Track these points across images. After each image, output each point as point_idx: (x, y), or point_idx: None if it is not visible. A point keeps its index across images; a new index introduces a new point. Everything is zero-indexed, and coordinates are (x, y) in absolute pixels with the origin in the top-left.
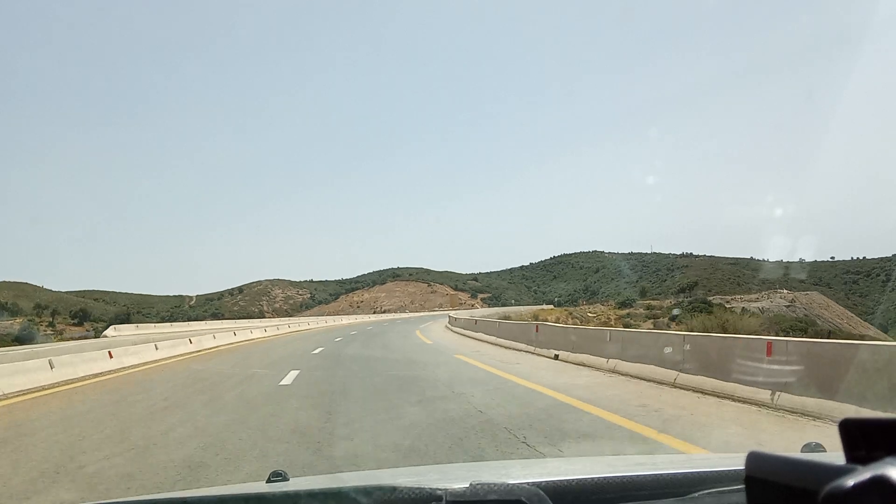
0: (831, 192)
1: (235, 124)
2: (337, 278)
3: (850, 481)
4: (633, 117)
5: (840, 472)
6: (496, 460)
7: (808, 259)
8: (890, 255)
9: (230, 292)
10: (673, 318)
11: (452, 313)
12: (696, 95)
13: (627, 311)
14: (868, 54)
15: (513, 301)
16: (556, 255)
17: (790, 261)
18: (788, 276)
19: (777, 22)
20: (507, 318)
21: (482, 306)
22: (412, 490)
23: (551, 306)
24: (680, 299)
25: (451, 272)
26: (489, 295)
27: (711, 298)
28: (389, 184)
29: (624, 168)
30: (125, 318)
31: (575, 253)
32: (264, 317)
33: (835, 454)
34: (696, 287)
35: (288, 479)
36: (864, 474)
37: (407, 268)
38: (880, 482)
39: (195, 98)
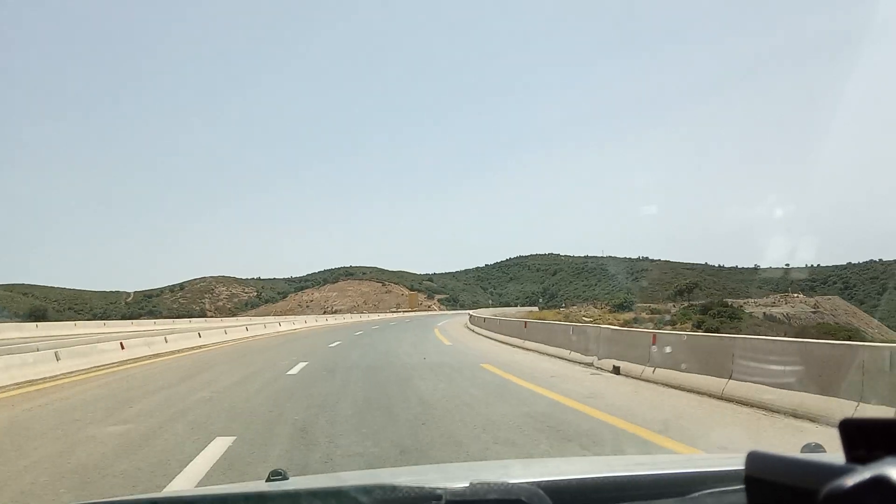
0: (833, 194)
1: (178, 119)
2: (286, 276)
3: (850, 481)
4: (600, 118)
5: (840, 471)
6: (496, 460)
7: (802, 264)
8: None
9: (171, 289)
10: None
11: (474, 312)
12: (670, 98)
13: (631, 315)
14: (870, 55)
15: (472, 302)
16: (511, 257)
17: (776, 266)
18: (788, 279)
19: (778, 21)
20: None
21: (440, 307)
22: (412, 489)
23: (535, 308)
24: (685, 303)
25: (405, 272)
26: (446, 296)
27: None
28: (343, 182)
29: (591, 170)
30: (41, 315)
31: (531, 255)
32: (205, 316)
33: (835, 454)
34: (696, 290)
35: (287, 479)
36: (863, 474)
37: (360, 267)
38: (880, 482)
39: (136, 91)
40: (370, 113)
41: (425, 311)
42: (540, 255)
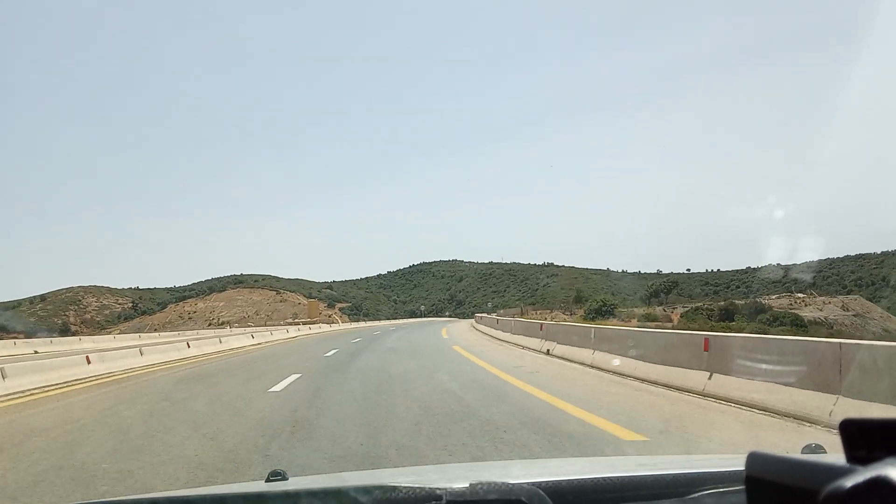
0: (832, 191)
1: (55, 117)
2: (169, 286)
3: (851, 482)
4: (537, 116)
5: (840, 472)
6: (496, 460)
7: (788, 262)
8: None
9: (30, 300)
10: None
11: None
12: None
13: (633, 321)
14: (872, 50)
15: (376, 311)
16: (415, 264)
17: (761, 265)
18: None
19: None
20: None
21: (341, 317)
22: (412, 489)
23: (454, 319)
24: (668, 306)
25: (303, 280)
26: (348, 304)
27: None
28: (236, 186)
29: (497, 175)
30: None
31: (435, 261)
32: (69, 331)
33: (835, 455)
34: (674, 290)
35: (287, 479)
36: (864, 475)
37: (252, 275)
38: (880, 483)
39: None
40: (262, 110)
41: (328, 323)
42: (444, 261)
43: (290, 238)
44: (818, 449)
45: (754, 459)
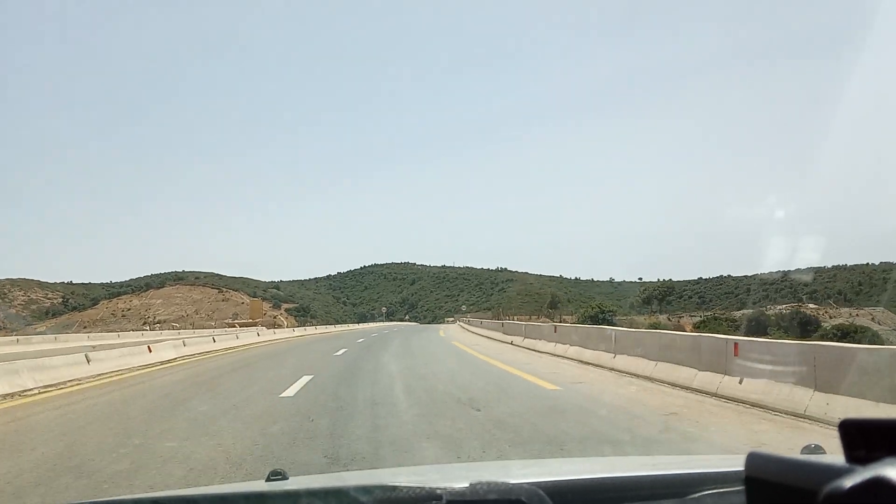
0: (835, 194)
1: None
2: (105, 281)
3: (850, 482)
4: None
5: (840, 472)
6: (496, 460)
7: (775, 269)
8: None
9: None
10: None
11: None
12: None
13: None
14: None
15: (325, 313)
16: (366, 265)
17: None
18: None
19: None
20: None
21: (287, 318)
22: (412, 489)
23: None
24: (703, 314)
25: (248, 279)
26: (295, 305)
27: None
28: (181, 179)
29: (456, 180)
30: None
31: (387, 263)
32: None
33: (835, 455)
34: (668, 297)
35: (287, 479)
36: (863, 475)
37: (193, 271)
38: (880, 483)
39: None
40: (211, 103)
41: (270, 326)
42: (396, 263)
43: (236, 235)
44: (817, 449)
45: (754, 459)
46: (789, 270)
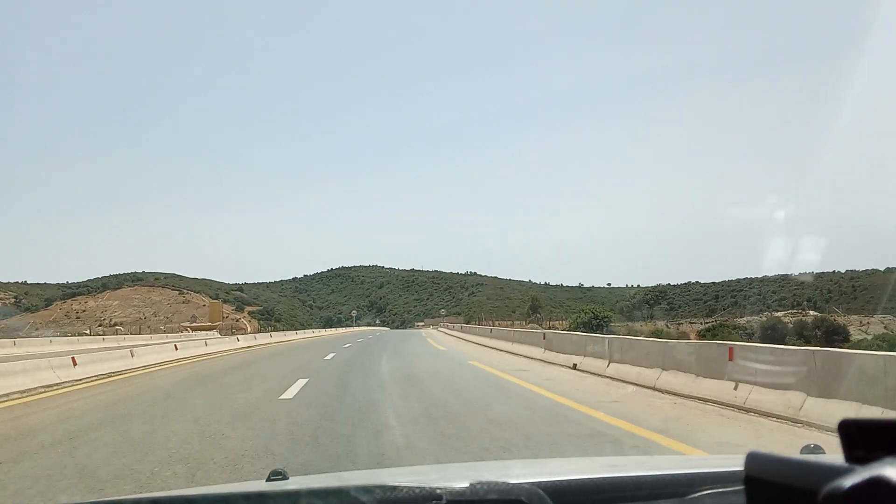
0: (835, 198)
1: None
2: (62, 281)
3: (849, 481)
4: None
5: (839, 472)
6: (496, 460)
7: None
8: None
9: None
10: None
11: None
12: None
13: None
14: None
15: (290, 316)
16: (333, 268)
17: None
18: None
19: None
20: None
21: (250, 322)
22: (412, 489)
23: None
24: (709, 321)
25: (210, 280)
26: (259, 308)
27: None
28: (140, 180)
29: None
30: None
31: (354, 266)
32: None
33: (834, 455)
34: (661, 303)
35: (288, 478)
36: (863, 474)
37: (153, 272)
38: (879, 482)
39: None
40: (172, 102)
41: (232, 332)
42: (364, 266)
43: (200, 236)
44: (817, 449)
45: (753, 459)
46: (789, 274)
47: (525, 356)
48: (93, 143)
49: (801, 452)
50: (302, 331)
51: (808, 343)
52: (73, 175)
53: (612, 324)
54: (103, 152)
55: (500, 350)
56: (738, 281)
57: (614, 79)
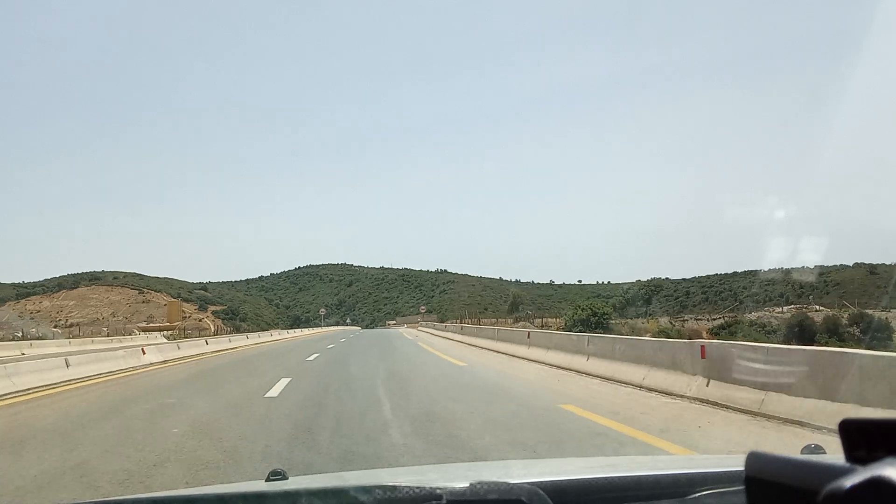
0: (836, 194)
1: None
2: (16, 281)
3: (850, 481)
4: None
5: (840, 472)
6: (496, 460)
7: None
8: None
9: None
10: None
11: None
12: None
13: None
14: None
15: (255, 315)
16: (301, 266)
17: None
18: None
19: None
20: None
21: (214, 322)
22: (412, 489)
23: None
24: (716, 317)
25: (173, 279)
26: (223, 307)
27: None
28: (99, 174)
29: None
30: None
31: (323, 264)
32: None
33: (835, 455)
34: (657, 297)
35: (287, 479)
36: (863, 474)
37: (112, 271)
38: (880, 482)
39: None
40: (131, 96)
41: (198, 335)
42: (332, 264)
43: (162, 235)
44: (817, 449)
45: (754, 459)
46: (791, 268)
47: (597, 376)
48: (48, 140)
49: (802, 452)
50: (265, 333)
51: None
52: (28, 172)
53: (615, 321)
54: (60, 149)
55: (540, 363)
56: (734, 275)
57: (586, 79)
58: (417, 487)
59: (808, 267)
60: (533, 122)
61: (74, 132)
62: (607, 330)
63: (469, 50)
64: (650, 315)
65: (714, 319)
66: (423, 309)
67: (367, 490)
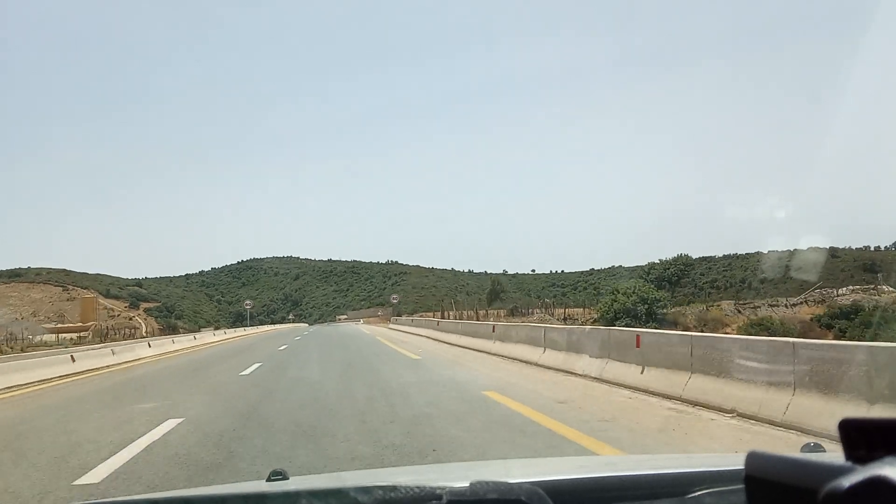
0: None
1: None
2: None
3: (850, 481)
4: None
5: (839, 471)
6: (496, 460)
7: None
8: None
9: None
10: None
11: None
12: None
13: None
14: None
15: (193, 312)
16: (244, 260)
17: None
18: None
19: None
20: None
21: (147, 320)
22: (412, 489)
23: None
24: (799, 302)
25: (104, 275)
26: (158, 304)
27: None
28: (26, 166)
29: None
30: None
31: (267, 258)
32: None
33: (835, 454)
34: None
35: (288, 479)
36: (863, 474)
37: (35, 268)
38: (879, 482)
39: None
40: (68, 84)
41: (127, 321)
42: (278, 257)
43: (93, 228)
44: (817, 448)
45: (754, 459)
46: (796, 249)
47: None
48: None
49: (802, 451)
50: (187, 335)
51: None
52: None
53: (667, 310)
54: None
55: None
56: (737, 256)
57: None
58: (417, 487)
59: (818, 247)
60: (503, 103)
61: None
62: (662, 324)
63: (418, 39)
64: (689, 300)
65: (793, 305)
66: (393, 300)
67: (366, 490)
